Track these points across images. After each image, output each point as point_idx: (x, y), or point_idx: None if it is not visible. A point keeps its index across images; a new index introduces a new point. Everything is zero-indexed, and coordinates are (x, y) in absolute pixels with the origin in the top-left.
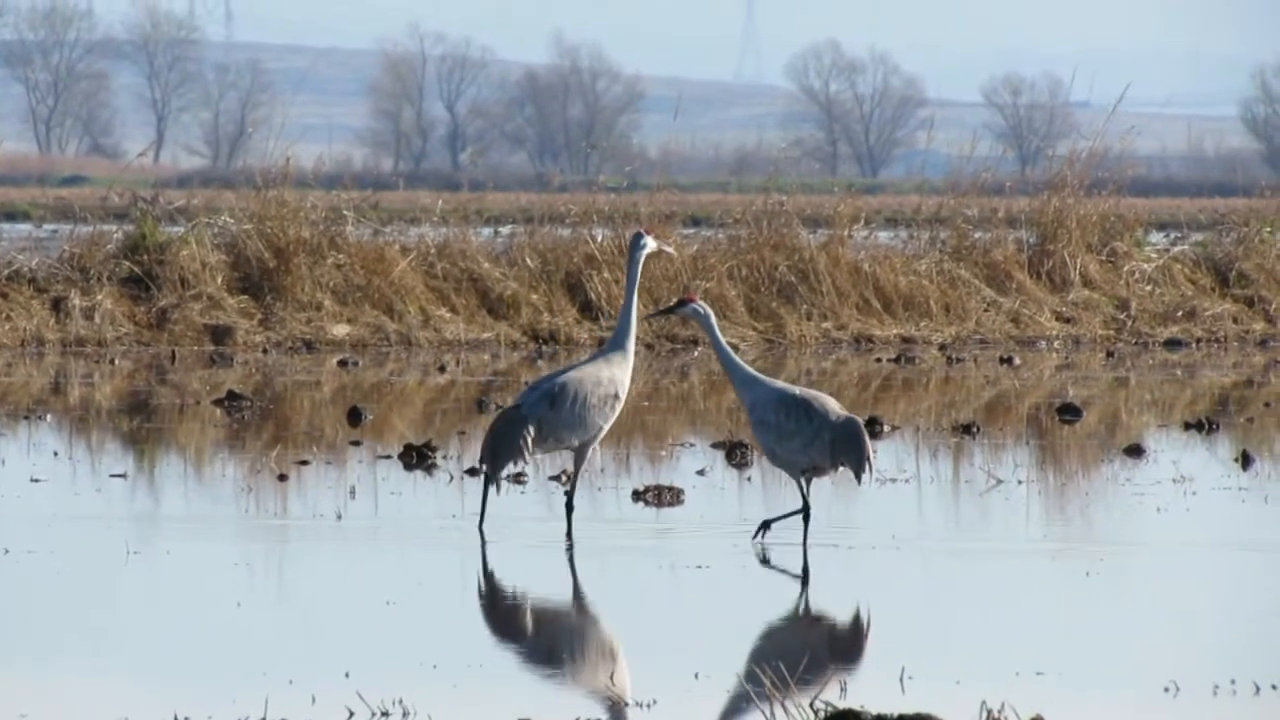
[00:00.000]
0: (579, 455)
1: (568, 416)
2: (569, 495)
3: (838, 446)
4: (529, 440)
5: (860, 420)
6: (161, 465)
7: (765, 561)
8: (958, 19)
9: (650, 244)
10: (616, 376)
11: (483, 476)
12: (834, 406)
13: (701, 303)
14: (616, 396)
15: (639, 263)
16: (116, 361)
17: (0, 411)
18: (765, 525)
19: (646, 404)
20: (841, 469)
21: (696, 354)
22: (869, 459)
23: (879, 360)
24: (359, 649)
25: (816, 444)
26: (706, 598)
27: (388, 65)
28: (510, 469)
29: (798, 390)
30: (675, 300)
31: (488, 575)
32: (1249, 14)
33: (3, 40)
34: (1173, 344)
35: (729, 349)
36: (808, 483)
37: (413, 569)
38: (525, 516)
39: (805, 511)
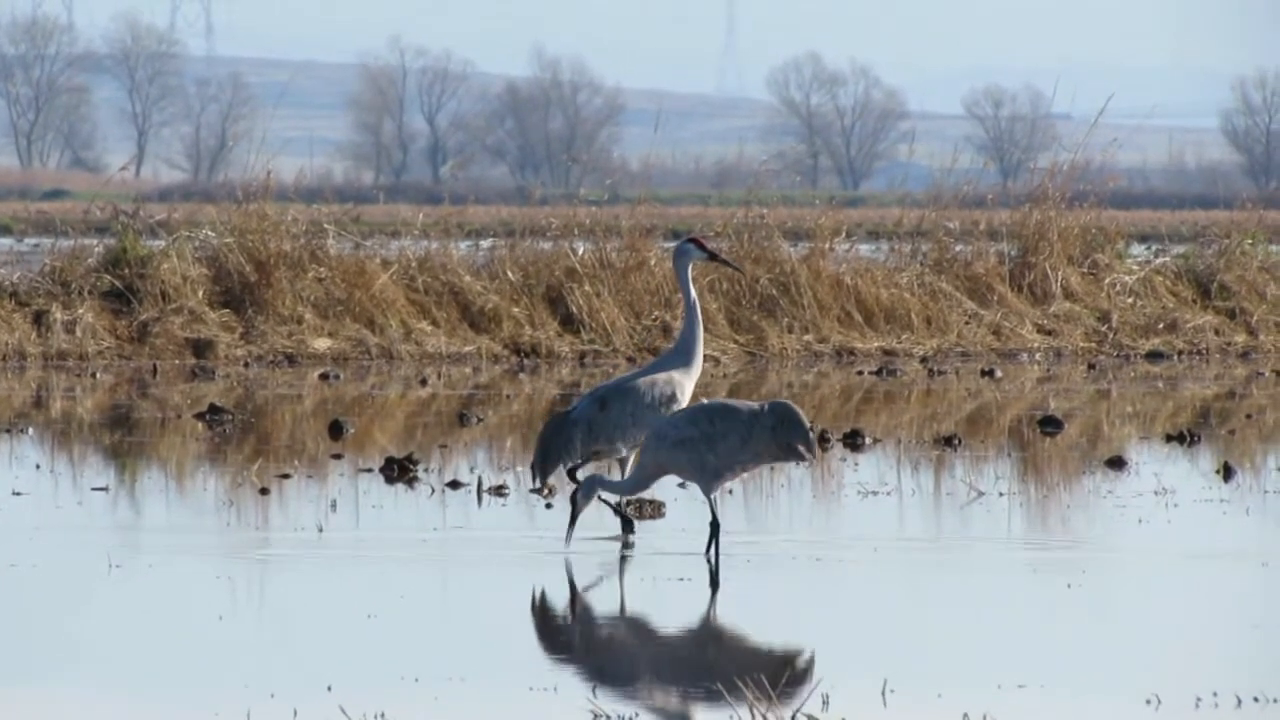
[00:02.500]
0: (626, 464)
1: (618, 418)
2: (621, 507)
3: (780, 430)
4: (578, 444)
5: (790, 401)
6: (143, 479)
7: (745, 573)
8: (939, 31)
9: (695, 253)
10: (676, 380)
11: (534, 485)
12: (747, 401)
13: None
14: (674, 399)
15: (686, 271)
16: (98, 375)
17: None
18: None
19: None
20: (783, 459)
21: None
22: (811, 429)
23: (860, 373)
24: (341, 662)
25: (757, 434)
26: (687, 610)
27: (368, 78)
28: (559, 473)
29: (703, 401)
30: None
31: (468, 588)
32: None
33: None
34: (1154, 356)
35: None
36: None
37: (394, 582)
38: (506, 529)
39: (714, 527)
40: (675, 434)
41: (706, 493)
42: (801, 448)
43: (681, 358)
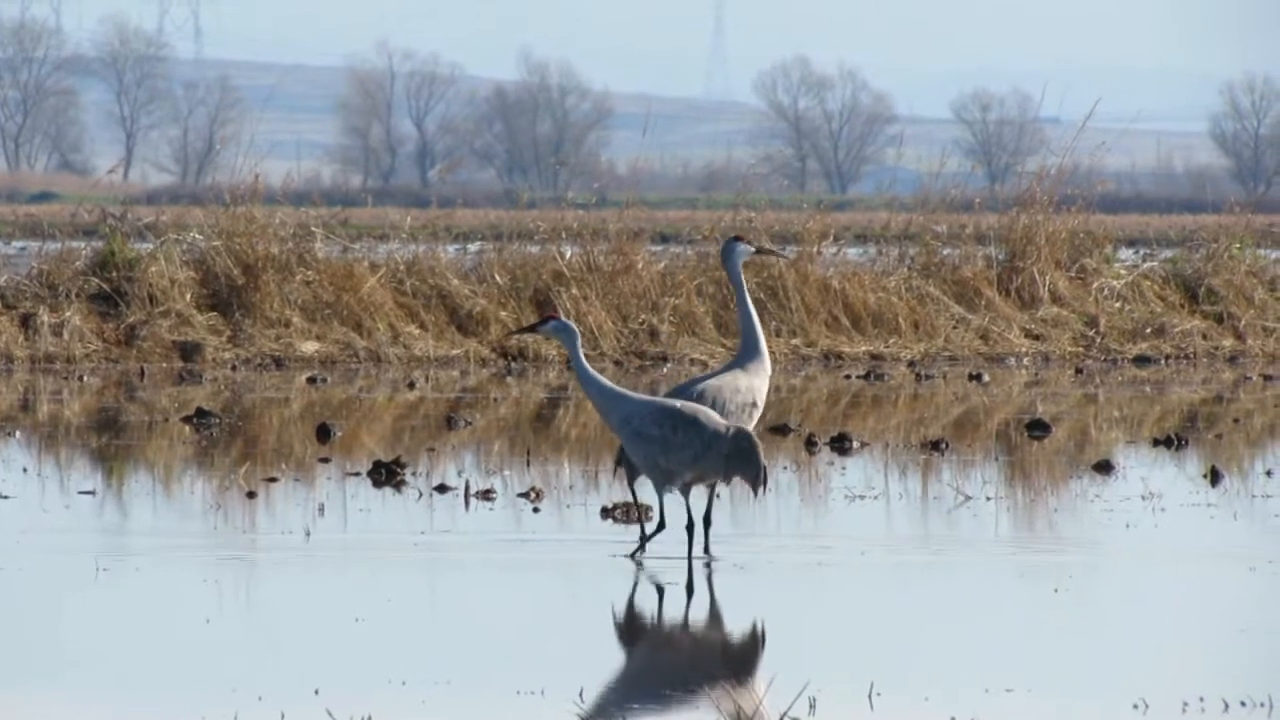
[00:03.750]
0: None
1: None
2: (707, 511)
3: (732, 460)
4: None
5: (753, 433)
6: (130, 482)
7: (733, 577)
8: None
9: (744, 249)
10: (755, 385)
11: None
12: (719, 419)
13: (566, 320)
14: (754, 405)
15: (737, 268)
16: (85, 378)
17: None
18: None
19: None
20: (735, 480)
21: (665, 370)
22: (764, 470)
23: (848, 377)
24: (328, 665)
25: (709, 456)
26: (674, 614)
27: (356, 82)
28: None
29: (678, 403)
30: (540, 319)
31: (456, 592)
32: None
33: None
34: (1142, 360)
35: (589, 368)
36: (684, 494)
37: (382, 585)
38: (493, 533)
39: (660, 527)
40: (639, 426)
41: (656, 491)
42: (748, 484)
43: (752, 357)
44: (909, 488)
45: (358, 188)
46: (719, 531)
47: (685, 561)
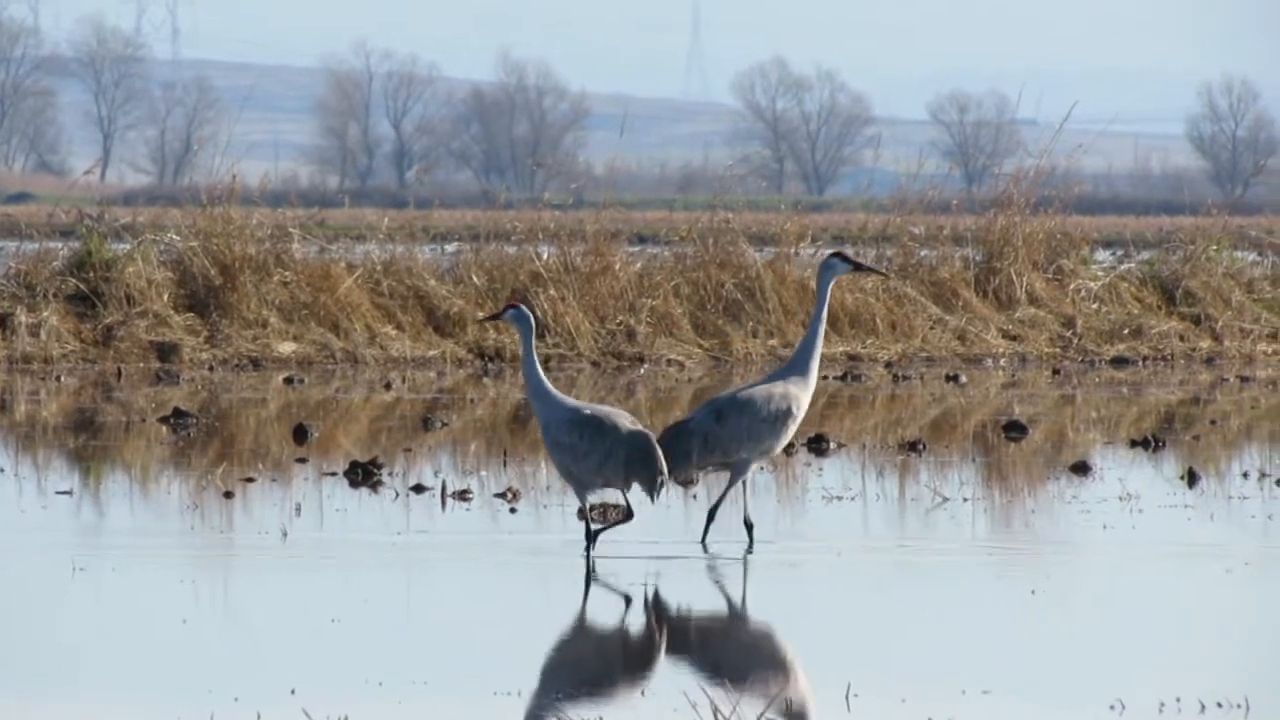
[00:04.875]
0: (737, 471)
1: (734, 430)
2: (745, 515)
3: (631, 464)
4: (694, 454)
5: (652, 435)
6: (107, 482)
7: (710, 578)
8: (905, 36)
9: (842, 266)
10: (792, 394)
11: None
12: (625, 422)
13: (524, 309)
14: (790, 414)
15: (828, 285)
16: (62, 378)
17: None
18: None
19: None
20: (635, 485)
21: (642, 371)
22: (661, 473)
23: (825, 378)
24: (304, 666)
25: (610, 462)
26: (650, 615)
27: (334, 82)
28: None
29: (588, 408)
30: (504, 307)
31: (432, 592)
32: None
33: None
34: (1119, 362)
35: (536, 362)
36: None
37: (358, 586)
38: (470, 533)
39: (587, 530)
40: (555, 434)
41: (578, 497)
42: (645, 489)
43: (800, 369)
44: (886, 489)
45: (335, 188)
46: (696, 531)
47: (586, 566)
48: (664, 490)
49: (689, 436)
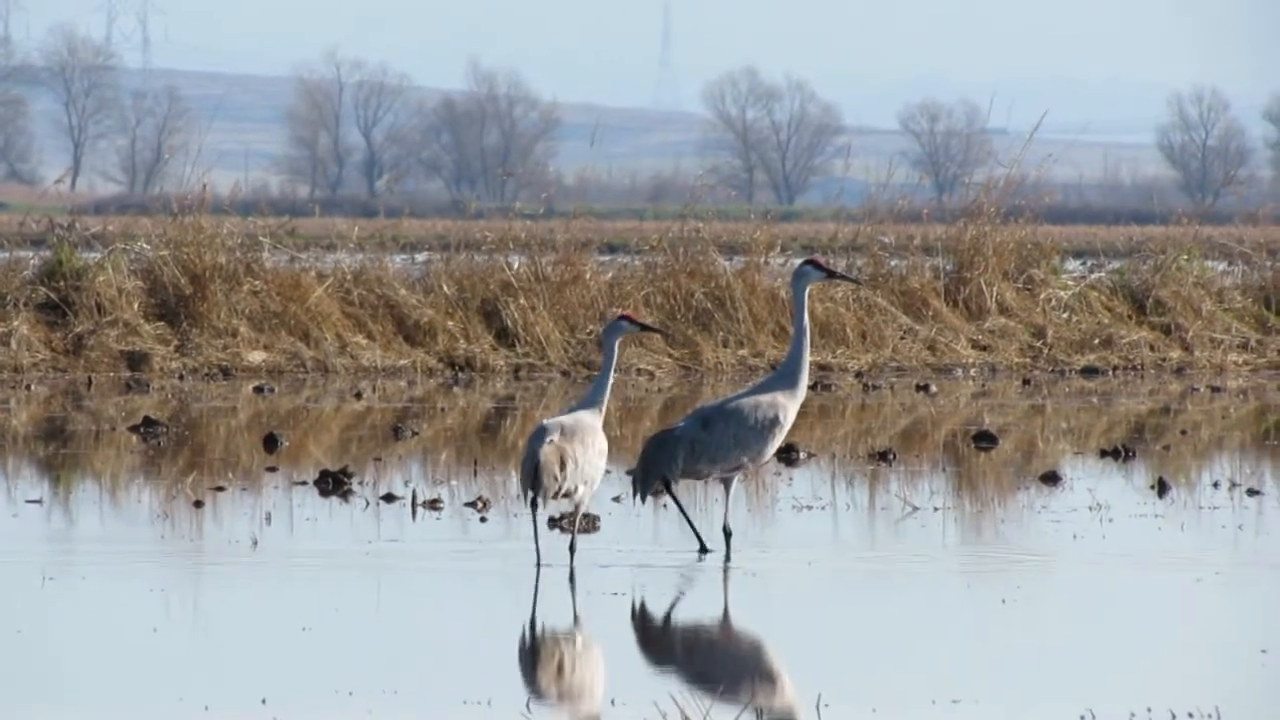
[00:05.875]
0: (728, 482)
1: (720, 438)
2: (724, 523)
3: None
4: (680, 461)
5: (539, 450)
6: (77, 491)
7: (681, 587)
8: (875, 46)
9: (815, 274)
10: (780, 403)
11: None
12: (550, 434)
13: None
14: (777, 422)
15: (804, 293)
16: (33, 387)
17: None
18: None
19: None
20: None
21: (612, 381)
22: (528, 482)
23: None
24: (275, 675)
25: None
26: (622, 625)
27: (304, 92)
28: (659, 489)
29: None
30: (618, 318)
31: (403, 601)
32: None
33: None
34: (1089, 372)
35: (609, 378)
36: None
37: (328, 595)
38: (440, 542)
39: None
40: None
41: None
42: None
43: (787, 380)
44: (856, 499)
45: (305, 198)
46: (666, 541)
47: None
48: (531, 501)
49: (675, 443)
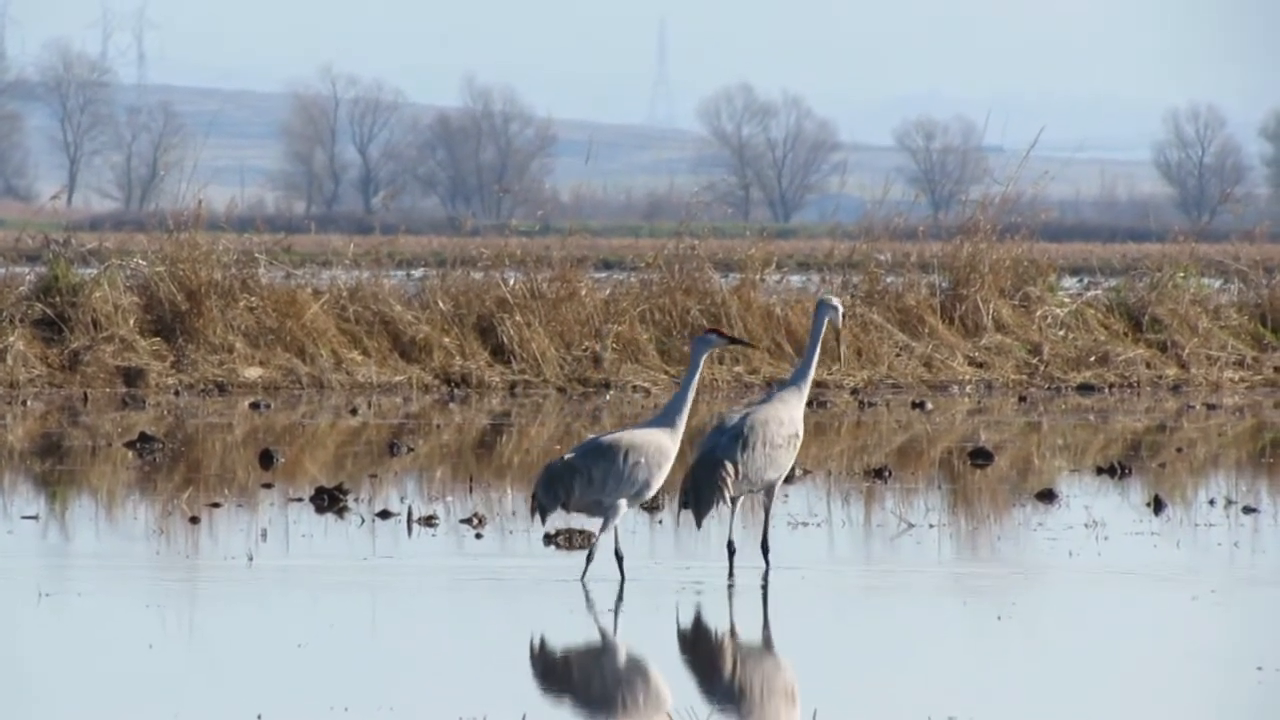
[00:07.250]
0: (770, 494)
1: (760, 456)
2: (763, 539)
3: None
4: (729, 483)
5: (554, 462)
6: (73, 507)
7: (676, 602)
8: (871, 62)
9: (836, 306)
10: (795, 417)
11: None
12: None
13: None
14: (796, 435)
15: (823, 324)
16: (29, 403)
17: None
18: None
19: (559, 447)
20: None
21: (608, 397)
22: (533, 498)
23: None
24: (270, 691)
25: None
26: (614, 639)
27: (300, 108)
28: (713, 512)
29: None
30: (706, 330)
31: (398, 617)
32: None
33: None
34: (1085, 389)
35: (692, 389)
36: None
37: (324, 611)
38: (435, 558)
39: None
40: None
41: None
42: None
43: (795, 389)
44: (852, 515)
45: (301, 214)
46: (662, 557)
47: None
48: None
49: (720, 465)
